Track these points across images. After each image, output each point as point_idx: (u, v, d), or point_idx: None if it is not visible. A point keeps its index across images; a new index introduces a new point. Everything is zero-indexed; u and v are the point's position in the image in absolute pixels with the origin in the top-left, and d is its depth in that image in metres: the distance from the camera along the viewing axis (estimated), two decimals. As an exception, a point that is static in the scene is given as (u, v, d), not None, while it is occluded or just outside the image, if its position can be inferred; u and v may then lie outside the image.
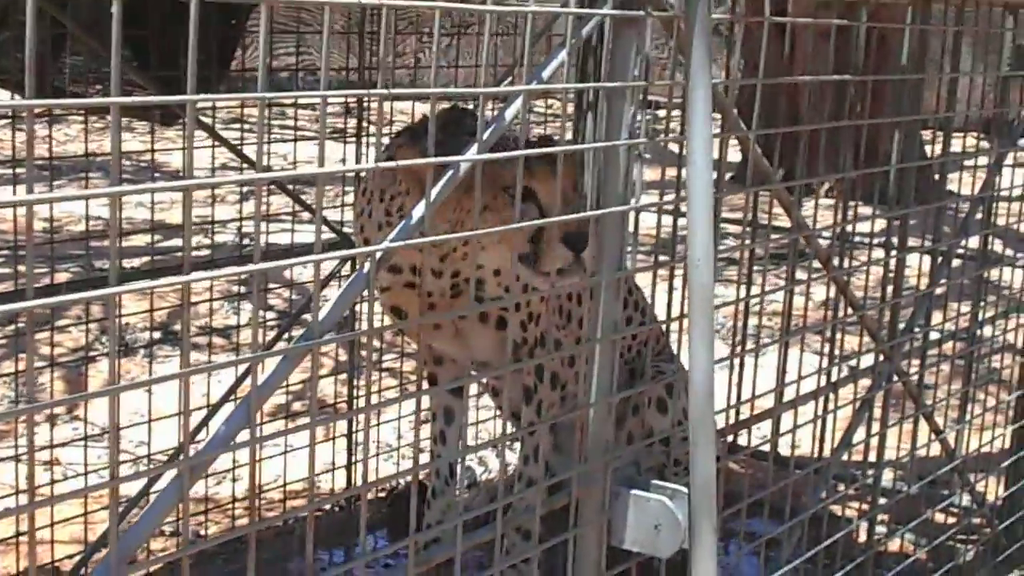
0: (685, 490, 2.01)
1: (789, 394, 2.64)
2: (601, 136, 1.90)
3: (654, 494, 2.02)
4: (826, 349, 2.77)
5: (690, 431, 1.98)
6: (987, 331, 3.71)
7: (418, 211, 1.63)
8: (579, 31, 1.80)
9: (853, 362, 3.00)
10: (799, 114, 2.62)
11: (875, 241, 2.95)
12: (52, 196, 1.25)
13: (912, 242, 3.08)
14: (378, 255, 1.57)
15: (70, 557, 3.50)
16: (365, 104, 3.85)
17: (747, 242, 2.47)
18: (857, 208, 2.80)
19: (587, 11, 1.80)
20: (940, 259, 3.12)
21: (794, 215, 2.42)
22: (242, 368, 3.68)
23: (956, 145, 3.34)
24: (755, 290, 2.56)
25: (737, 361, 2.46)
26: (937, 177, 4.29)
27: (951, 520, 3.61)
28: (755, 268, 2.61)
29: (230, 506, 3.86)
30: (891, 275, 2.86)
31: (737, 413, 2.77)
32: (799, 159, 2.55)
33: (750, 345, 3.15)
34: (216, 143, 3.65)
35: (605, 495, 2.01)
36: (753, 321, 5.77)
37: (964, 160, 3.62)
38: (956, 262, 3.44)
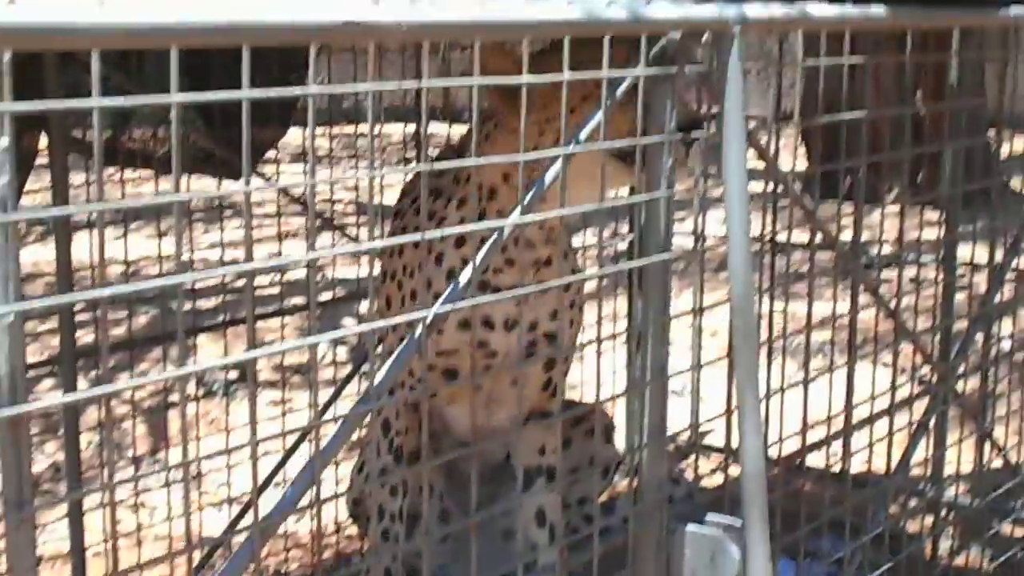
0: (739, 522, 2.08)
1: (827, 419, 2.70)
2: (641, 188, 1.98)
3: (708, 528, 2.09)
4: (887, 369, 2.82)
5: (742, 466, 2.05)
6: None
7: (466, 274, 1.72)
8: (614, 92, 1.88)
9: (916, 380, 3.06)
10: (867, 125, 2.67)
11: (931, 259, 3.01)
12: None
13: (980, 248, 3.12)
14: (429, 319, 1.66)
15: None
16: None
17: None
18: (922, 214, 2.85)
19: (621, 72, 1.88)
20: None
21: (813, 233, 2.48)
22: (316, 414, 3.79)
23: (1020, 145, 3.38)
24: (818, 305, 2.62)
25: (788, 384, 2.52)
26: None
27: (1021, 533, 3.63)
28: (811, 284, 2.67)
29: (311, 543, 3.97)
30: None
31: (804, 436, 2.82)
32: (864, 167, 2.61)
33: (817, 362, 3.19)
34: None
35: (662, 531, 2.09)
36: (823, 336, 5.80)
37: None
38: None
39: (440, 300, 1.68)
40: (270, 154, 3.93)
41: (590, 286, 4.32)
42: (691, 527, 2.10)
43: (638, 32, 1.89)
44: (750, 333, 2.02)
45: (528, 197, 1.78)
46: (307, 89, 1.44)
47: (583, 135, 1.84)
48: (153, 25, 1.25)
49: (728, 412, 2.13)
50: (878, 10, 2.27)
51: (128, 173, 3.34)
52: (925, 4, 2.47)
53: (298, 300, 5.62)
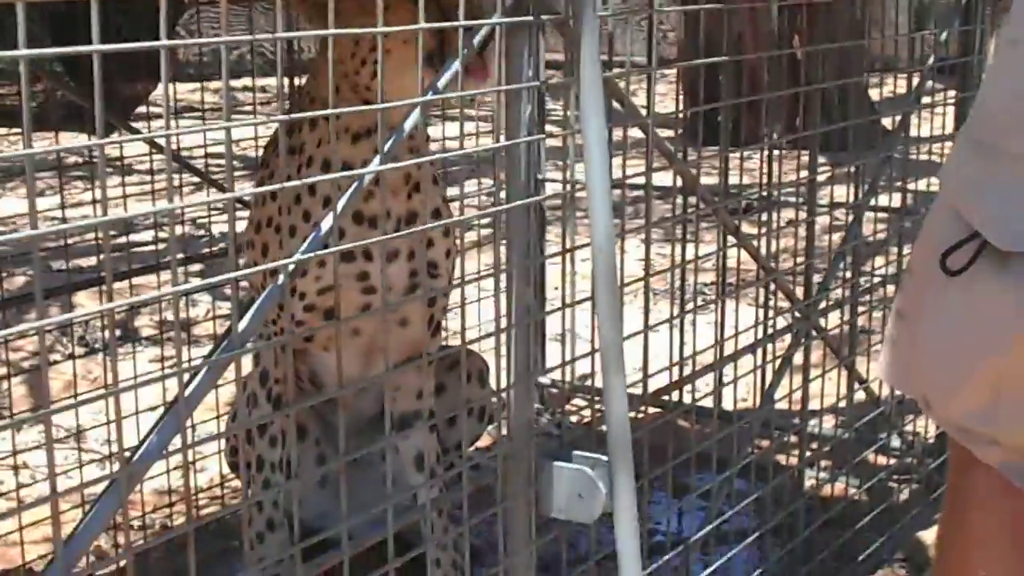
0: (605, 458, 2.15)
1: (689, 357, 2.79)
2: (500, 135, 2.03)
3: (575, 464, 2.16)
4: (757, 306, 2.93)
5: (605, 404, 2.12)
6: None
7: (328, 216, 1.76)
8: (470, 41, 1.92)
9: (781, 318, 3.17)
10: (746, 70, 2.74)
11: (796, 200, 3.10)
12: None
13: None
14: (290, 267, 1.69)
15: (42, 557, 3.62)
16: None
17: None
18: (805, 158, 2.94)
19: (476, 22, 1.92)
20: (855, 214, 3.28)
21: (687, 178, 2.56)
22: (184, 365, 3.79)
23: (902, 86, 3.49)
24: (690, 249, 2.72)
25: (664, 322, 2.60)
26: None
27: (892, 462, 3.77)
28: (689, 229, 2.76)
29: (195, 497, 3.99)
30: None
31: (680, 371, 2.91)
32: (744, 110, 2.69)
33: (683, 307, 3.28)
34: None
35: (530, 469, 2.15)
36: (703, 278, 5.93)
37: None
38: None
39: (311, 237, 1.71)
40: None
41: (470, 237, 4.37)
42: (558, 464, 2.16)
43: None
44: (610, 276, 2.08)
45: (391, 142, 1.82)
46: (160, 43, 1.46)
47: (441, 83, 1.88)
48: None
49: (592, 352, 2.20)
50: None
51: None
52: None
53: (178, 256, 5.58)
